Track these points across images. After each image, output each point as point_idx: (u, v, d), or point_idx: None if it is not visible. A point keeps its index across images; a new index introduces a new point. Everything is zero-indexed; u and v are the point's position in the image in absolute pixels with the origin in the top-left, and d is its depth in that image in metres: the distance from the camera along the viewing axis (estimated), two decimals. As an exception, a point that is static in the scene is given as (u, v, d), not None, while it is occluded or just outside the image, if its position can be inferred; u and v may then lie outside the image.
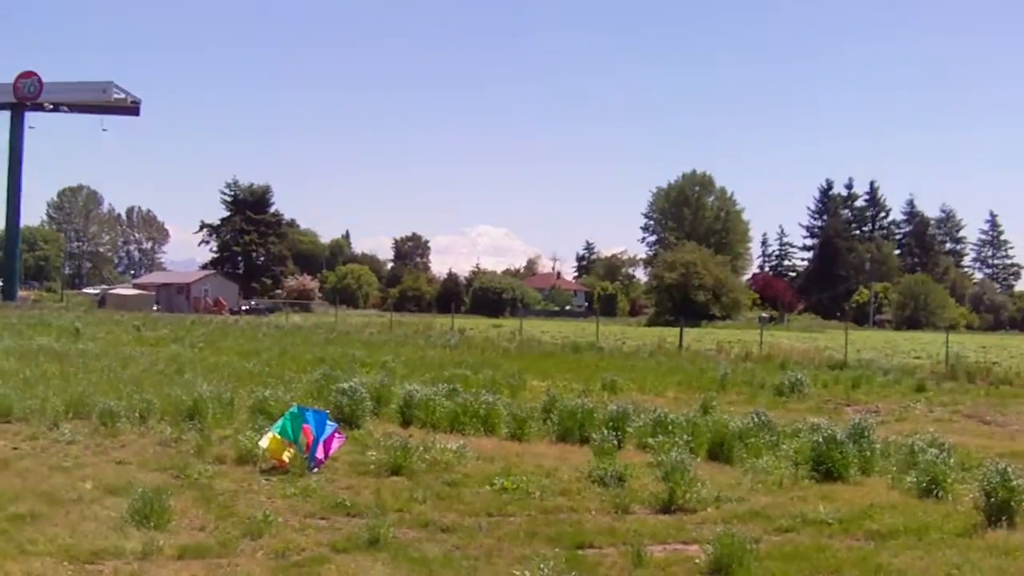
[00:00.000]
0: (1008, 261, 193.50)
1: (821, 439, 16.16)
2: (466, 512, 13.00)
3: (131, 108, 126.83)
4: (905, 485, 15.01)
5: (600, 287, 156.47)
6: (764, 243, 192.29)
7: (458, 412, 20.15)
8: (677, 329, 60.37)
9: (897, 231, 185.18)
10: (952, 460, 15.98)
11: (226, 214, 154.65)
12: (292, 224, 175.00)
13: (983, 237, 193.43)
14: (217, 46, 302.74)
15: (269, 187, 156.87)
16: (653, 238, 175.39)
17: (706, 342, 59.75)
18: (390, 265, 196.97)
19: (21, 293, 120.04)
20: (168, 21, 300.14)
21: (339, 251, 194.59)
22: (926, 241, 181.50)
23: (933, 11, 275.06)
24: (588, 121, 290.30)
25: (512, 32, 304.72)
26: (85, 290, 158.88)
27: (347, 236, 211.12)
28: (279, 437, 15.23)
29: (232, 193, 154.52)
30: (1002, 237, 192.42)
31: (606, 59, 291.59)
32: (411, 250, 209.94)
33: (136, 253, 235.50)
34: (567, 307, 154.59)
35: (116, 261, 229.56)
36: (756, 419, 19.60)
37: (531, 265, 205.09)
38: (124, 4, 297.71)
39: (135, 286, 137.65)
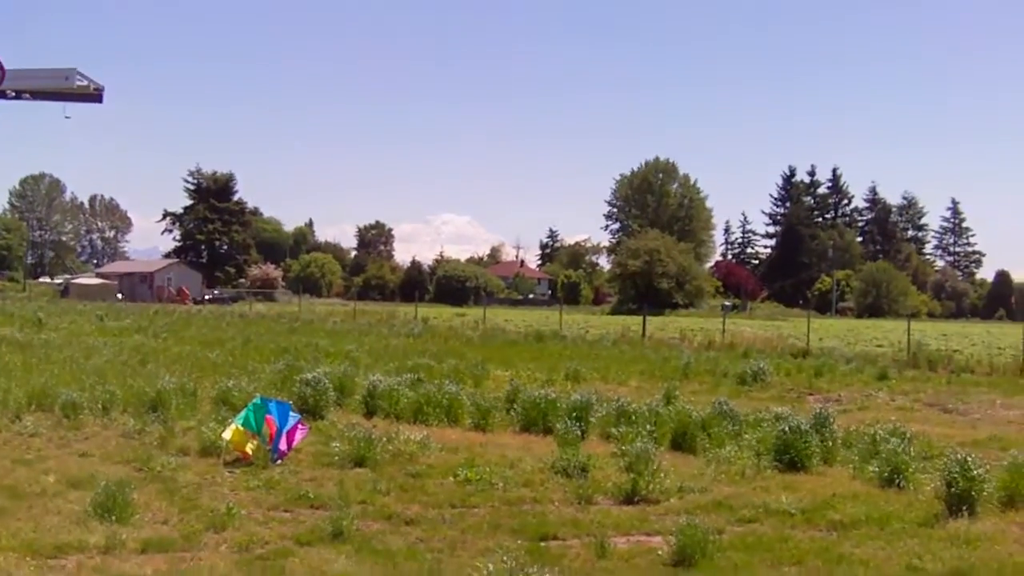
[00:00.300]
0: (969, 249, 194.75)
1: (785, 429, 16.24)
2: (430, 504, 13.01)
3: (94, 95, 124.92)
4: (867, 475, 15.10)
5: (564, 275, 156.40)
6: (727, 231, 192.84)
7: (422, 403, 20.18)
8: (640, 317, 60.46)
9: (859, 218, 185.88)
10: (913, 450, 16.10)
11: (189, 203, 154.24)
12: (256, 212, 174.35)
13: (945, 224, 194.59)
14: (180, 32, 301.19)
15: (232, 175, 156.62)
16: (616, 226, 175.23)
17: (669, 330, 59.91)
18: (354, 254, 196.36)
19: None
20: (130, 6, 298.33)
21: (303, 240, 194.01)
22: (888, 228, 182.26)
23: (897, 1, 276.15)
24: (551, 108, 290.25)
25: (476, 21, 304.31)
26: (46, 279, 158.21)
27: (311, 224, 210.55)
28: (242, 429, 15.20)
29: (195, 181, 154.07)
30: (964, 224, 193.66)
31: (568, 47, 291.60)
32: (375, 239, 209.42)
33: (99, 242, 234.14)
34: (531, 296, 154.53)
35: (79, 250, 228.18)
36: (719, 408, 19.68)
37: (495, 253, 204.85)
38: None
39: (98, 275, 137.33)
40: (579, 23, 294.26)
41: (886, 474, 14.66)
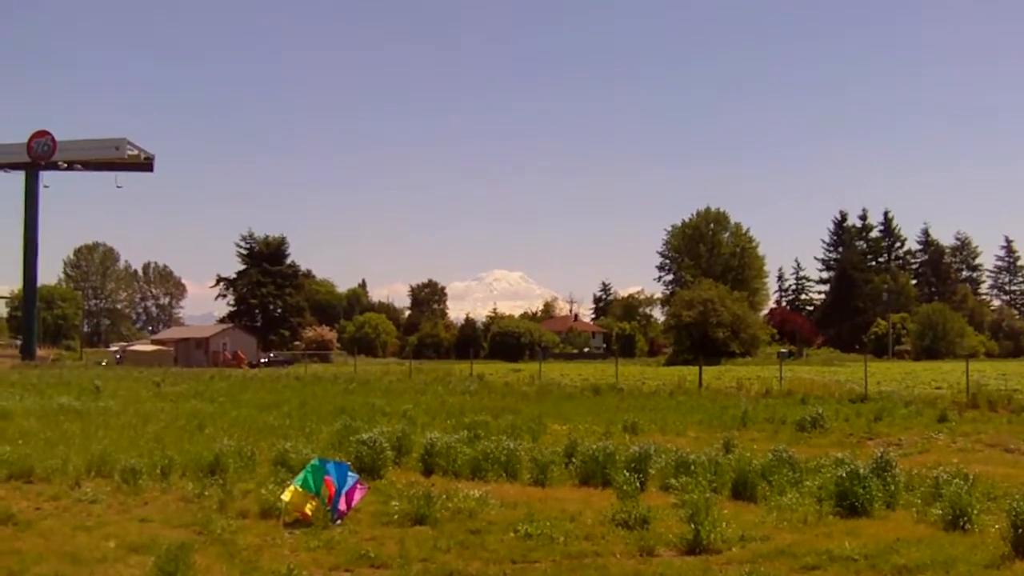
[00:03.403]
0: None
1: (844, 474, 16.10)
2: (491, 560, 12.95)
3: (145, 164, 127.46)
4: (931, 518, 14.92)
5: (618, 328, 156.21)
6: (780, 277, 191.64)
7: (480, 459, 20.12)
8: (696, 368, 60.24)
9: (913, 260, 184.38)
10: (977, 491, 15.91)
11: (242, 267, 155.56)
12: (308, 275, 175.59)
13: (999, 263, 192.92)
14: (230, 100, 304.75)
15: (284, 238, 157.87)
16: (670, 277, 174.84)
17: (726, 380, 59.59)
18: (407, 313, 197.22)
19: (40, 353, 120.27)
20: (180, 76, 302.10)
21: (356, 300, 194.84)
22: (942, 269, 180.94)
23: (942, 44, 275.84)
24: (600, 162, 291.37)
25: (523, 79, 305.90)
26: (100, 347, 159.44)
27: (363, 285, 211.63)
28: (301, 490, 15.21)
29: (248, 246, 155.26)
30: (1019, 263, 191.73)
31: (616, 100, 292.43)
32: (428, 297, 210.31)
33: (154, 309, 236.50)
34: (585, 349, 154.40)
35: (134, 317, 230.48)
36: (778, 456, 19.53)
37: (548, 308, 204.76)
38: (136, 62, 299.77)
39: (153, 342, 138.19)
40: (629, 81, 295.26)
41: (950, 516, 14.48)
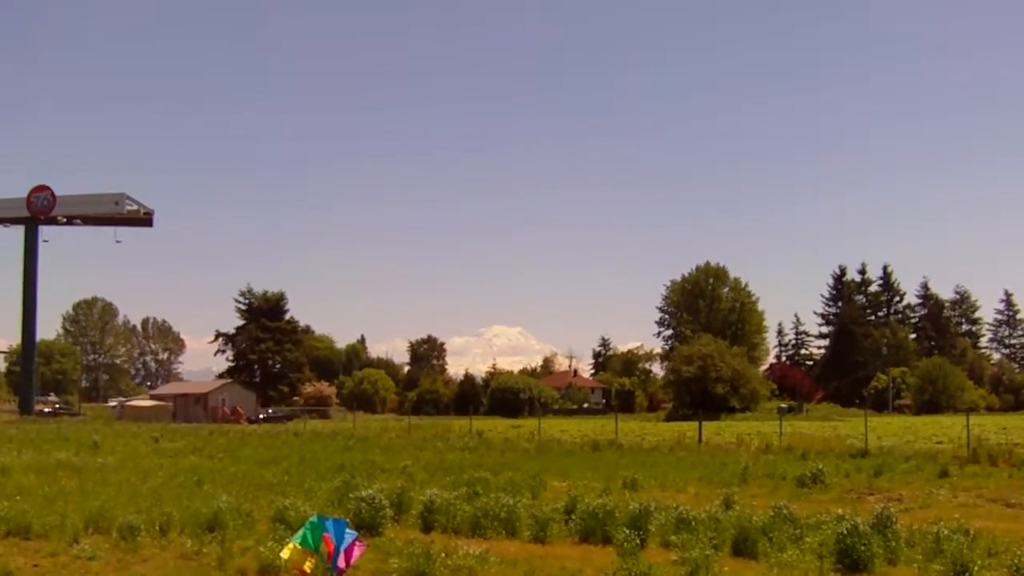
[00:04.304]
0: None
1: (846, 530, 16.08)
2: (491, 617, 12.91)
3: (144, 219, 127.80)
4: (932, 574, 14.89)
5: (617, 383, 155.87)
6: (780, 332, 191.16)
7: (479, 516, 20.09)
8: (696, 423, 60.17)
9: (912, 315, 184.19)
10: (978, 546, 15.88)
11: (241, 322, 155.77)
12: (307, 330, 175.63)
13: (999, 317, 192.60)
14: (228, 154, 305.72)
15: (283, 294, 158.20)
16: (669, 332, 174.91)
17: (726, 435, 59.54)
18: (406, 368, 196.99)
19: (40, 407, 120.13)
20: (179, 131, 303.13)
21: (355, 356, 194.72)
22: (942, 323, 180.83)
23: (941, 96, 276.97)
24: (598, 216, 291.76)
25: (520, 133, 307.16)
26: (87, 399, 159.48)
27: (362, 341, 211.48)
28: (300, 547, 15.14)
29: (247, 301, 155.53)
30: (1018, 316, 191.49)
31: (615, 155, 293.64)
32: (427, 353, 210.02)
33: (152, 364, 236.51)
34: (585, 405, 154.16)
35: (133, 372, 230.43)
36: (779, 512, 19.50)
37: (547, 364, 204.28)
38: (135, 116, 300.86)
39: (152, 397, 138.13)
40: (626, 134, 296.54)
41: (951, 572, 14.47)
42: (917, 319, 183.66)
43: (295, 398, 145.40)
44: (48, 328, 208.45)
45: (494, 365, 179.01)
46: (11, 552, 17.37)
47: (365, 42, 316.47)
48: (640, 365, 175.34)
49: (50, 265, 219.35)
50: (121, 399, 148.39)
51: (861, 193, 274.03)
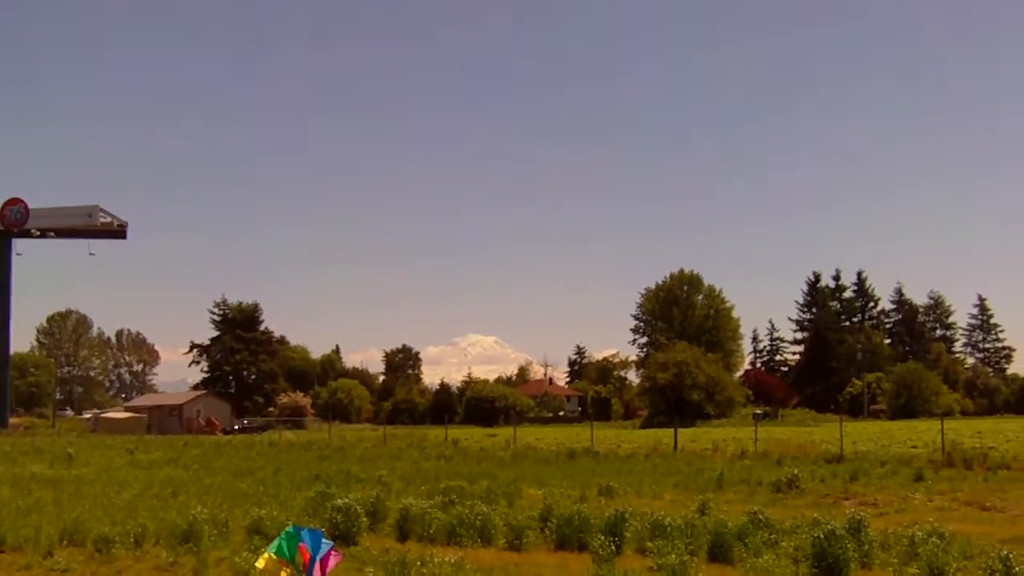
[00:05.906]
0: (999, 344, 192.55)
1: (822, 535, 16.10)
2: (466, 626, 12.89)
3: (118, 231, 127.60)
4: (907, 577, 14.93)
5: (593, 391, 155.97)
6: (755, 339, 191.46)
7: (455, 524, 20.06)
8: (672, 430, 60.25)
9: (887, 320, 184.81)
10: (953, 549, 15.92)
11: (216, 333, 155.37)
12: (282, 341, 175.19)
13: (973, 321, 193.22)
14: (202, 166, 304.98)
15: (258, 305, 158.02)
16: (644, 339, 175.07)
17: (701, 442, 59.62)
18: (382, 378, 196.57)
19: (13, 420, 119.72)
20: (152, 143, 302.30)
21: (330, 366, 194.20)
22: (916, 328, 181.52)
23: (915, 107, 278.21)
24: (574, 224, 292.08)
25: (495, 144, 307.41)
26: (69, 411, 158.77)
27: (337, 351, 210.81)
28: (275, 557, 15.07)
29: (221, 312, 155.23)
30: (992, 320, 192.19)
31: (588, 161, 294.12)
32: (402, 362, 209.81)
33: (127, 376, 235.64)
34: (560, 413, 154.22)
35: (107, 384, 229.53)
36: (754, 518, 19.54)
37: (523, 372, 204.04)
38: (109, 129, 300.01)
39: (127, 409, 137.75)
40: (601, 142, 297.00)
41: (927, 575, 14.49)
42: (891, 324, 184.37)
43: (270, 409, 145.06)
44: (22, 341, 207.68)
45: (469, 374, 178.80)
46: (-16, 565, 17.29)
47: (334, 54, 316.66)
48: (615, 373, 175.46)
49: (24, 278, 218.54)
50: (96, 411, 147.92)
51: (835, 199, 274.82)
